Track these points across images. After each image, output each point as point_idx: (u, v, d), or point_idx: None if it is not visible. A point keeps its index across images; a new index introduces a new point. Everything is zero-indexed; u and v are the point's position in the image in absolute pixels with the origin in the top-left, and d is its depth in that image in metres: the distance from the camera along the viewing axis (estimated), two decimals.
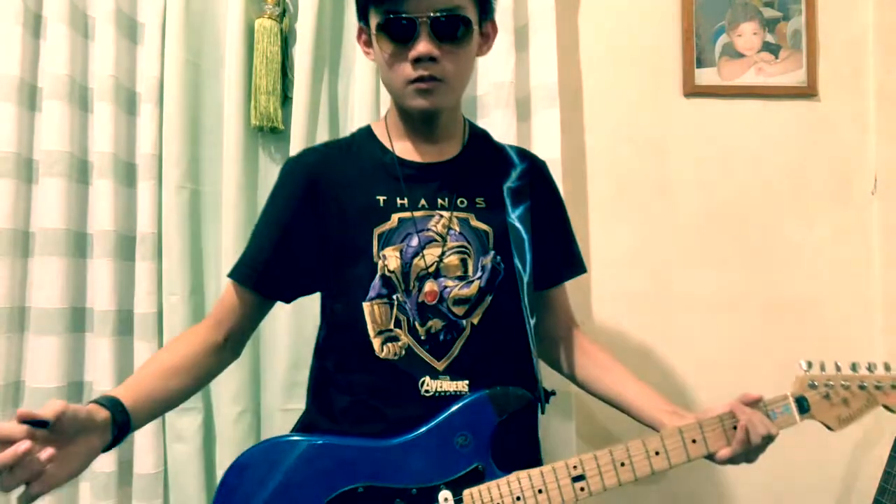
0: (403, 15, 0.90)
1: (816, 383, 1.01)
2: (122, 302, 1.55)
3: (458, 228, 0.98)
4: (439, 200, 1.00)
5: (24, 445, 0.73)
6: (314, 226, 1.01)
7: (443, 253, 0.97)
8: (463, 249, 0.98)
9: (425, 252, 0.96)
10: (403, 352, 0.96)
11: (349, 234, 0.99)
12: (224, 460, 1.55)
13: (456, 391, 0.94)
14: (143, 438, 1.52)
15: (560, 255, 1.11)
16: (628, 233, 1.71)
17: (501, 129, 1.55)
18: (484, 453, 0.91)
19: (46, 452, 0.77)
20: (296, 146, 1.55)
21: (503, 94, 1.55)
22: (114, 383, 1.52)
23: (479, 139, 1.10)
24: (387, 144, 1.04)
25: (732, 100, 1.73)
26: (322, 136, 1.58)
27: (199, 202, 1.60)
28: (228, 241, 1.55)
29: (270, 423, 1.59)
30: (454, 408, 0.93)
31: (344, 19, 1.65)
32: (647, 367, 1.71)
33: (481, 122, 1.61)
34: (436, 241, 0.97)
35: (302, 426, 1.06)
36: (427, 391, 0.95)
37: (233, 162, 1.56)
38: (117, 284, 1.54)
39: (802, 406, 1.00)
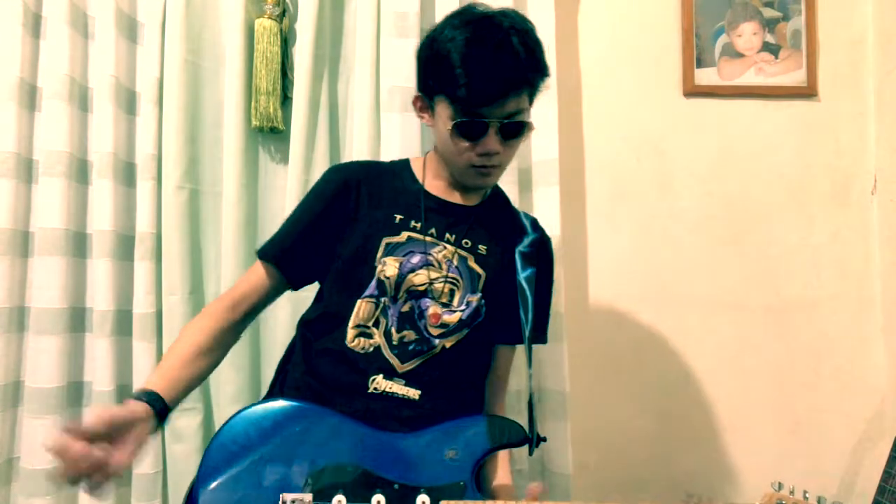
0: (480, 118, 1.01)
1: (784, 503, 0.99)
2: (122, 302, 1.55)
3: (456, 262, 1.10)
4: (447, 235, 1.11)
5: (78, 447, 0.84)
6: (337, 225, 1.12)
7: (436, 278, 1.07)
8: (455, 281, 1.09)
9: (420, 271, 1.07)
10: (371, 349, 1.05)
11: (363, 237, 1.09)
12: None
13: (405, 396, 1.03)
14: None
15: (536, 324, 1.19)
16: (627, 233, 1.71)
17: None
18: (468, 472, 0.96)
19: (99, 450, 0.86)
20: (296, 146, 1.55)
21: None
22: (113, 383, 1.52)
23: (498, 199, 1.23)
24: (419, 177, 1.17)
25: (732, 100, 1.73)
26: (322, 136, 1.58)
27: (199, 202, 1.60)
28: (228, 241, 1.55)
29: None
30: (454, 421, 1.00)
31: (344, 19, 1.65)
32: (646, 367, 1.71)
33: None
34: (433, 265, 1.08)
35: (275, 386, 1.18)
36: (375, 389, 1.03)
37: (233, 162, 1.56)
38: (117, 284, 1.54)
39: None
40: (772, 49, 1.74)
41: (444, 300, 1.07)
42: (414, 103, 1.15)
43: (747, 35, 1.73)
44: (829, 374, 1.72)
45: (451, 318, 1.07)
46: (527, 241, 1.17)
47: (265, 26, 1.57)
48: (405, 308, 1.06)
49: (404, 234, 1.09)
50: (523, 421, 1.07)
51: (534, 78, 1.05)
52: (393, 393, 1.03)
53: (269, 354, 1.60)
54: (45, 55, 1.54)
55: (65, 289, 1.52)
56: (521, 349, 1.20)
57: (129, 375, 1.55)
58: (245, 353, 1.55)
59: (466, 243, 1.11)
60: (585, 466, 1.65)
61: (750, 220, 1.73)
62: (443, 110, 1.05)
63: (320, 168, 1.57)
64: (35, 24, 1.56)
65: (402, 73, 1.55)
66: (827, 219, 1.74)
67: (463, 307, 1.08)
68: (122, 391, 1.55)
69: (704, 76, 1.72)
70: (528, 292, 1.12)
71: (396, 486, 0.94)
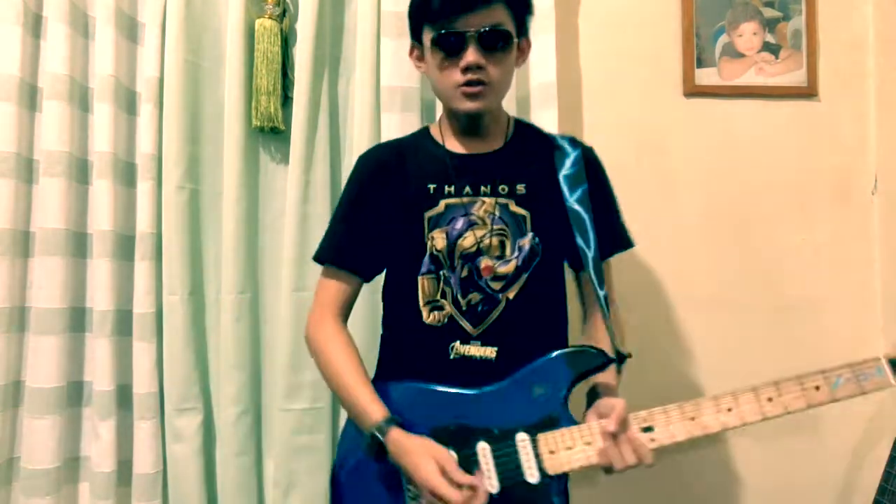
0: (455, 30, 1.05)
1: None
2: (122, 302, 1.55)
3: (498, 213, 1.11)
4: (482, 187, 1.12)
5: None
6: (378, 209, 1.16)
7: (484, 234, 1.10)
8: (502, 232, 1.11)
9: (468, 233, 1.10)
10: (446, 319, 1.10)
11: (405, 217, 1.13)
12: (223, 460, 1.55)
13: (482, 356, 1.08)
14: (143, 438, 1.52)
15: (606, 234, 1.18)
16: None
17: None
18: (558, 404, 1.02)
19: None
20: (296, 146, 1.55)
21: None
22: (113, 383, 1.52)
23: (524, 132, 1.22)
24: (439, 140, 1.19)
25: (732, 100, 1.73)
26: (322, 136, 1.58)
27: (199, 202, 1.60)
28: (228, 242, 1.55)
29: (270, 423, 1.59)
30: (535, 363, 1.05)
31: (344, 19, 1.65)
32: (647, 367, 1.70)
33: None
34: (478, 224, 1.11)
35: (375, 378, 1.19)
36: (457, 355, 1.08)
37: (233, 162, 1.56)
38: (117, 284, 1.54)
39: None
40: (772, 49, 1.74)
41: (497, 253, 1.10)
42: (410, 54, 1.19)
43: (747, 35, 1.73)
44: None
45: (507, 267, 1.10)
46: (568, 162, 1.17)
47: (265, 26, 1.57)
48: (464, 273, 1.10)
49: (442, 203, 1.12)
50: None
51: None
52: (472, 356, 1.08)
53: (270, 355, 1.60)
54: (45, 55, 1.54)
55: (65, 289, 1.52)
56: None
57: (129, 375, 1.55)
58: (245, 353, 1.55)
59: (503, 189, 1.12)
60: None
61: (750, 220, 1.73)
62: (428, 41, 1.10)
63: (320, 168, 1.57)
64: (35, 24, 1.56)
65: (402, 73, 1.55)
66: (827, 219, 1.74)
67: (516, 254, 1.10)
68: (122, 391, 1.55)
69: (704, 76, 1.72)
70: (583, 214, 1.13)
71: (496, 432, 1.01)
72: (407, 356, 1.14)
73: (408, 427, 1.02)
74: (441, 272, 1.10)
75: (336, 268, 1.17)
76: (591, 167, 1.20)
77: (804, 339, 1.72)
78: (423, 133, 1.23)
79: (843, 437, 1.73)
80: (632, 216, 1.70)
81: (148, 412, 1.52)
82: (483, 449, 1.00)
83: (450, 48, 1.06)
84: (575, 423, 1.00)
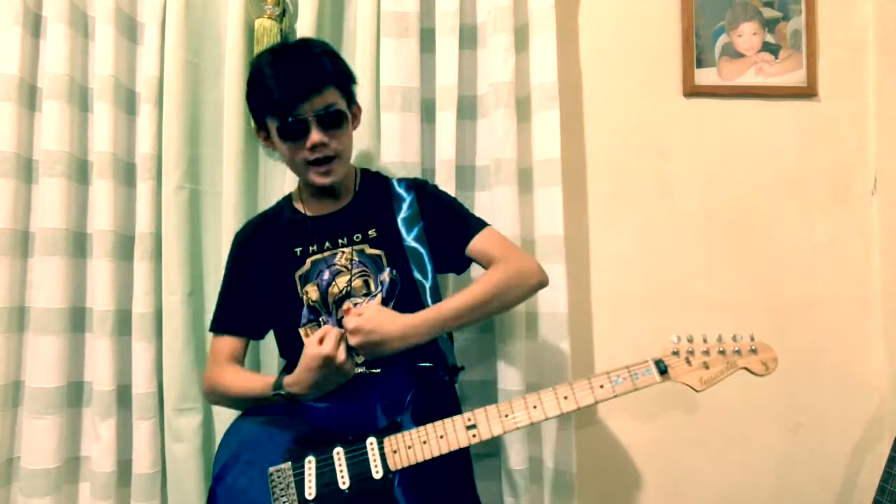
0: (297, 117, 1.20)
1: (678, 350, 1.14)
2: (122, 302, 1.55)
3: (356, 258, 1.28)
4: (339, 240, 1.29)
5: None
6: (255, 278, 1.32)
7: (348, 280, 1.26)
8: (364, 273, 1.28)
9: (336, 281, 1.27)
10: None
11: (279, 280, 1.29)
12: None
13: (369, 373, 1.23)
14: (142, 438, 1.52)
15: (457, 226, 1.33)
16: (628, 233, 1.71)
17: (501, 129, 1.55)
18: (402, 412, 1.16)
19: None
20: None
21: (503, 94, 1.55)
22: (113, 383, 1.52)
23: (368, 183, 1.38)
24: (298, 206, 1.36)
25: (732, 100, 1.73)
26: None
27: (199, 202, 1.60)
28: (228, 242, 1.54)
29: None
30: (383, 381, 1.20)
31: (344, 19, 1.65)
32: None
33: (481, 122, 1.62)
34: (342, 271, 1.27)
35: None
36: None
37: (233, 162, 1.56)
38: (117, 284, 1.54)
39: (661, 368, 1.12)
40: (772, 49, 1.74)
41: (364, 291, 1.26)
42: (257, 135, 1.32)
43: (747, 35, 1.73)
44: (829, 374, 1.72)
45: (375, 301, 1.25)
46: (404, 205, 1.33)
47: (265, 26, 1.57)
48: (340, 314, 1.24)
49: (308, 261, 1.28)
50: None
51: (335, 74, 1.24)
52: (359, 374, 1.22)
53: (269, 356, 1.60)
54: (45, 55, 1.54)
55: (65, 289, 1.52)
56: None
57: (129, 375, 1.55)
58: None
59: (357, 237, 1.29)
60: (586, 467, 1.65)
61: (750, 220, 1.73)
62: (273, 129, 1.24)
63: None
64: (35, 24, 1.56)
65: (402, 73, 1.56)
66: (827, 219, 1.74)
67: (380, 288, 1.26)
68: (123, 391, 1.55)
69: (704, 76, 1.72)
70: (420, 249, 1.29)
71: (350, 437, 1.15)
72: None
73: (273, 443, 1.17)
74: (320, 319, 1.27)
75: (220, 334, 1.32)
76: (424, 203, 1.33)
77: (804, 339, 1.72)
78: (286, 201, 1.40)
79: (843, 437, 1.73)
80: (632, 216, 1.72)
81: (147, 412, 1.52)
82: (338, 453, 1.14)
83: (295, 132, 1.21)
84: (414, 427, 1.14)
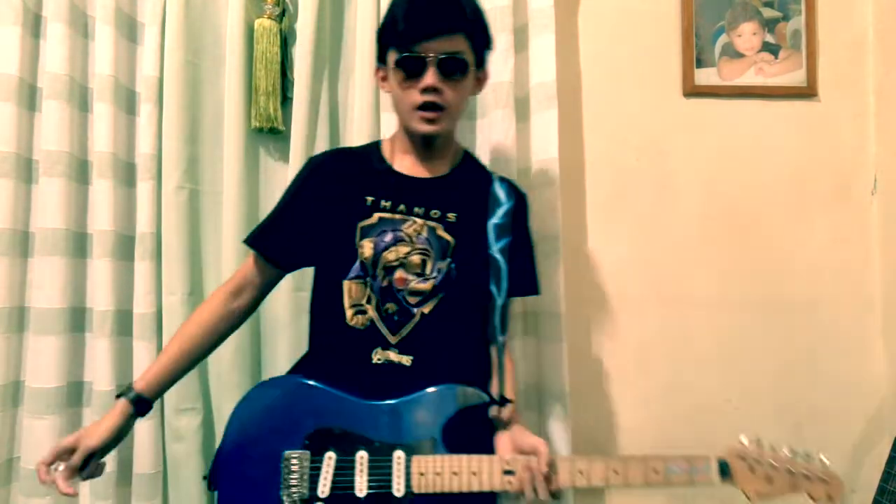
0: (417, 54, 1.12)
1: (746, 456, 1.09)
2: (122, 302, 1.56)
3: (425, 234, 1.18)
4: (416, 209, 1.19)
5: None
6: (314, 211, 1.21)
7: (408, 252, 1.17)
8: (425, 251, 1.18)
9: (394, 248, 1.17)
10: (368, 323, 1.15)
11: (340, 224, 1.19)
12: None
13: (399, 363, 1.14)
14: (143, 438, 1.52)
15: (523, 277, 1.28)
16: (627, 232, 1.71)
17: (501, 128, 1.55)
18: (437, 432, 1.09)
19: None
20: (296, 146, 1.55)
21: (502, 94, 1.55)
22: (113, 383, 1.52)
23: (469, 165, 1.30)
24: (387, 157, 1.25)
25: (732, 100, 1.73)
26: (322, 137, 1.58)
27: (199, 202, 1.60)
28: (228, 242, 1.55)
29: None
30: (429, 389, 1.11)
31: (344, 20, 1.65)
32: (647, 367, 1.71)
33: (480, 122, 1.62)
34: (404, 240, 1.17)
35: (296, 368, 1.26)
36: (378, 360, 1.14)
37: (233, 162, 1.56)
38: (117, 284, 1.54)
39: (724, 470, 1.08)
40: (772, 49, 1.74)
41: (417, 270, 1.16)
42: (375, 73, 1.25)
43: (747, 35, 1.73)
44: (829, 374, 1.72)
45: (425, 285, 1.16)
46: (500, 211, 1.24)
47: (265, 26, 1.57)
48: (384, 283, 1.16)
49: (375, 216, 1.18)
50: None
51: (470, 24, 1.16)
52: (390, 361, 1.14)
53: (270, 355, 1.60)
54: (45, 55, 1.54)
55: (65, 289, 1.52)
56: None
57: (129, 375, 1.55)
58: (246, 353, 1.55)
59: (434, 213, 1.19)
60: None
61: (750, 220, 1.73)
62: (391, 62, 1.16)
63: None
64: (35, 24, 1.56)
65: None
66: (827, 219, 1.74)
67: (435, 274, 1.17)
68: None
69: (704, 76, 1.72)
70: (501, 263, 1.20)
71: (377, 444, 1.08)
72: (329, 357, 1.19)
73: (292, 422, 1.10)
74: (367, 279, 1.17)
75: (256, 252, 1.25)
76: (518, 218, 1.27)
77: (803, 339, 1.72)
78: (374, 147, 1.30)
79: (842, 437, 1.73)
80: (631, 216, 1.72)
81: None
82: (362, 457, 1.07)
83: (411, 70, 1.13)
84: (447, 451, 1.08)
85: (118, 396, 1.16)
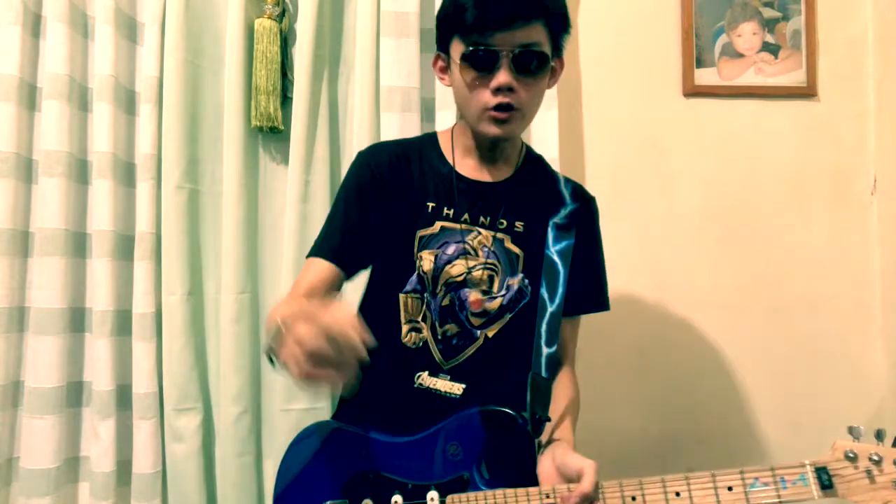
0: (489, 47, 0.97)
1: (856, 455, 0.81)
2: (122, 302, 1.55)
3: (491, 247, 1.06)
4: (481, 218, 1.08)
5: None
6: (374, 213, 1.09)
7: (473, 266, 1.05)
8: (492, 267, 1.06)
9: (457, 262, 1.05)
10: (421, 343, 1.06)
11: (397, 230, 1.08)
12: (223, 460, 1.55)
13: (447, 392, 1.04)
14: (142, 438, 1.52)
15: (588, 290, 1.16)
16: (627, 232, 1.71)
17: None
18: (470, 464, 0.98)
19: None
20: (296, 146, 1.55)
21: None
22: (113, 383, 1.52)
23: (533, 165, 1.18)
24: (448, 157, 1.12)
25: (732, 100, 1.73)
26: (322, 136, 1.58)
27: (199, 202, 1.60)
28: (228, 242, 1.55)
29: (270, 423, 1.59)
30: (449, 419, 1.01)
31: (343, 19, 1.65)
32: (647, 367, 1.71)
33: None
34: (470, 254, 1.06)
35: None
36: (420, 385, 1.05)
37: (233, 162, 1.56)
38: (116, 284, 1.54)
39: (824, 481, 0.81)
40: (771, 49, 1.74)
41: (484, 287, 1.05)
42: (434, 64, 1.11)
43: (747, 35, 1.73)
44: (829, 374, 1.72)
45: (492, 304, 1.05)
46: (564, 211, 1.12)
47: (265, 26, 1.57)
48: (445, 301, 1.05)
49: (437, 225, 1.07)
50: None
51: (548, 8, 1.00)
52: (437, 390, 1.04)
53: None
54: (45, 55, 1.54)
55: (65, 289, 1.52)
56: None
57: (128, 375, 1.55)
58: (245, 354, 1.55)
59: (501, 224, 1.08)
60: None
61: (750, 220, 1.73)
62: (456, 53, 1.02)
63: (320, 168, 1.57)
64: (35, 24, 1.56)
65: (402, 73, 1.56)
66: (827, 219, 1.74)
67: (503, 292, 1.06)
68: (122, 391, 1.55)
69: (704, 76, 1.72)
70: (559, 266, 1.07)
71: (410, 486, 0.99)
72: (370, 374, 1.04)
73: (330, 471, 1.02)
74: (425, 295, 1.06)
75: (328, 262, 1.09)
76: (586, 221, 1.15)
77: (803, 339, 1.72)
78: (432, 142, 1.16)
79: (842, 437, 1.73)
80: (631, 216, 1.72)
81: (147, 412, 1.52)
82: (396, 502, 0.98)
83: (481, 65, 0.99)
84: (486, 485, 0.97)
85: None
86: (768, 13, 1.74)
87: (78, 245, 1.56)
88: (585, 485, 0.87)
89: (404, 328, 1.06)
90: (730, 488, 0.84)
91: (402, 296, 1.06)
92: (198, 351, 1.57)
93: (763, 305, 1.72)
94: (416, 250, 1.06)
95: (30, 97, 1.56)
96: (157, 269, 1.55)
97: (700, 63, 1.72)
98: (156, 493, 1.53)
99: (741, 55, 1.73)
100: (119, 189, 1.56)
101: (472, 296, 1.05)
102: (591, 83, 1.72)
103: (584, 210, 1.16)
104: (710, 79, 1.72)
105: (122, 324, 1.55)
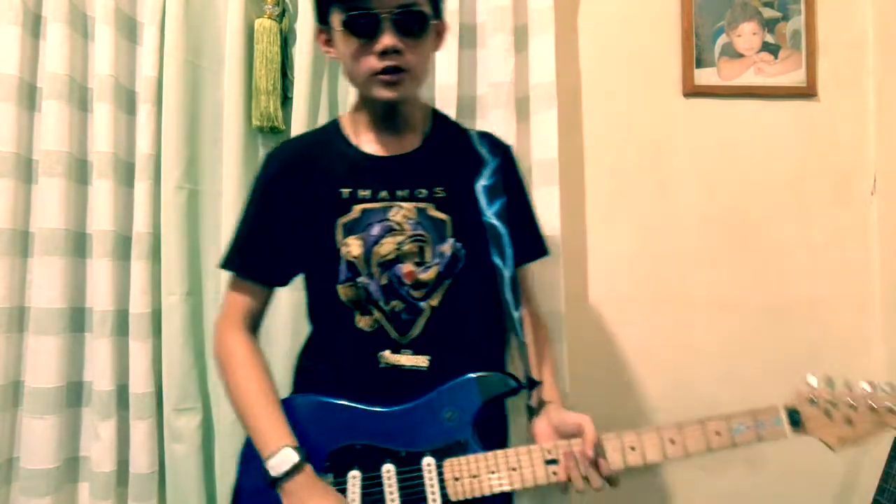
0: (368, 11, 0.97)
1: (817, 399, 0.96)
2: (122, 302, 1.55)
3: (416, 218, 1.06)
4: (399, 192, 1.06)
5: None
6: (287, 214, 1.09)
7: (402, 240, 1.05)
8: (420, 238, 1.05)
9: (385, 240, 1.05)
10: (376, 325, 1.05)
11: (317, 224, 1.07)
12: (223, 460, 1.55)
13: (413, 366, 1.04)
14: (141, 438, 1.52)
15: (526, 239, 1.17)
16: (628, 233, 1.71)
17: (500, 129, 1.55)
18: (467, 429, 0.99)
19: None
20: None
21: (502, 94, 1.55)
22: (113, 383, 1.52)
23: (442, 128, 1.17)
24: (351, 138, 1.12)
25: (732, 100, 1.73)
26: None
27: (198, 202, 1.60)
28: (227, 242, 1.54)
29: None
30: (445, 385, 1.02)
31: None
32: (647, 367, 1.71)
33: (480, 122, 1.62)
34: (396, 229, 1.05)
35: (294, 386, 1.17)
36: (386, 364, 1.04)
37: (233, 162, 1.56)
38: (116, 284, 1.54)
39: (794, 419, 0.97)
40: (771, 49, 1.74)
41: (416, 260, 1.05)
42: (317, 38, 1.11)
43: (747, 35, 1.73)
44: (829, 373, 1.72)
45: (428, 274, 1.05)
46: (487, 171, 1.12)
47: (265, 26, 1.57)
48: (384, 281, 1.05)
49: (356, 209, 1.06)
50: None
51: None
52: (402, 366, 1.04)
53: (269, 353, 1.59)
54: (45, 55, 1.54)
55: (64, 289, 1.52)
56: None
57: (128, 375, 1.55)
58: None
59: (421, 193, 1.07)
60: None
61: (750, 220, 1.73)
62: (337, 23, 1.01)
63: None
64: (34, 24, 1.56)
65: None
66: (827, 219, 1.74)
67: (437, 260, 1.05)
68: (122, 391, 1.55)
69: (704, 76, 1.72)
70: (500, 229, 1.08)
71: (403, 454, 0.99)
72: (334, 363, 1.09)
73: (313, 444, 0.99)
74: (359, 280, 1.05)
75: (241, 278, 1.12)
76: (508, 174, 1.15)
77: (803, 339, 1.72)
78: (334, 128, 1.15)
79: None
80: (631, 216, 1.72)
81: (144, 412, 1.52)
82: (388, 471, 0.98)
83: (363, 31, 0.98)
84: (482, 449, 0.99)
85: (289, 474, 0.95)
86: (768, 13, 1.74)
87: (78, 245, 1.56)
88: (591, 434, 0.94)
89: (355, 314, 1.06)
90: (718, 433, 0.96)
91: (339, 287, 1.06)
92: (197, 351, 1.57)
93: (763, 305, 1.72)
94: (340, 239, 1.05)
95: (30, 97, 1.56)
96: (156, 268, 1.55)
97: (700, 63, 1.72)
98: (152, 494, 1.53)
99: (741, 55, 1.73)
100: (119, 189, 1.56)
101: (405, 268, 1.04)
102: (591, 83, 1.72)
103: (505, 162, 1.16)
104: (709, 79, 1.72)
105: (123, 324, 1.55)
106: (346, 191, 1.06)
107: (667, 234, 1.72)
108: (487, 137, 1.18)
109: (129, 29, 1.60)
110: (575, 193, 1.69)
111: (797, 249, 1.73)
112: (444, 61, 1.56)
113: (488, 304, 1.11)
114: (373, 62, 1.00)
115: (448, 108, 1.55)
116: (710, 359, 1.71)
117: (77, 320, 1.57)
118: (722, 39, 1.72)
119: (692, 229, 1.72)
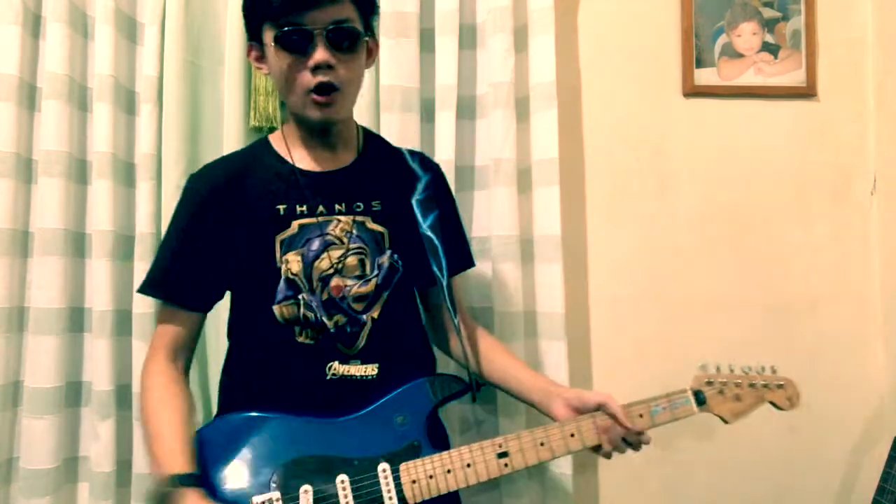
0: (301, 27, 0.98)
1: (713, 381, 1.17)
2: (121, 302, 1.55)
3: (355, 231, 1.08)
4: (336, 206, 1.08)
5: None
6: (216, 237, 1.08)
7: (343, 254, 1.06)
8: (360, 250, 1.08)
9: (325, 255, 1.06)
10: (320, 338, 1.06)
11: (252, 243, 1.06)
12: None
13: (363, 375, 1.05)
14: (141, 438, 1.52)
15: (455, 251, 1.23)
16: (627, 233, 1.71)
17: (500, 129, 1.55)
18: (420, 431, 1.03)
19: None
20: None
21: (502, 94, 1.55)
22: (113, 383, 1.52)
23: (374, 144, 1.20)
24: (285, 155, 1.12)
25: (732, 100, 1.73)
26: None
27: None
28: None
29: None
30: (396, 391, 1.04)
31: None
32: (647, 367, 1.71)
33: (480, 123, 1.62)
34: (335, 244, 1.07)
35: (223, 407, 1.14)
36: (334, 375, 1.04)
37: None
38: (116, 284, 1.54)
39: (700, 399, 1.14)
40: (771, 49, 1.74)
41: (357, 273, 1.07)
42: (248, 55, 1.10)
43: (747, 35, 1.73)
44: (829, 374, 1.72)
45: (368, 287, 1.07)
46: (420, 186, 1.17)
47: None
48: (325, 296, 1.05)
49: (294, 224, 1.06)
50: None
51: None
52: (352, 376, 1.05)
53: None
54: (44, 55, 1.54)
55: (64, 289, 1.52)
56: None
57: (128, 375, 1.55)
58: None
59: (358, 206, 1.09)
60: (584, 466, 1.65)
61: (750, 220, 1.73)
62: (269, 39, 1.01)
63: None
64: (34, 24, 1.56)
65: (402, 73, 1.55)
66: (827, 219, 1.74)
67: (376, 272, 1.08)
68: (122, 391, 1.55)
69: (704, 76, 1.72)
70: (435, 241, 1.13)
71: (356, 462, 0.98)
72: (273, 378, 1.07)
73: (257, 461, 0.97)
74: (300, 297, 1.05)
75: (167, 305, 1.11)
76: (440, 190, 1.21)
77: (803, 339, 1.72)
78: (264, 146, 1.15)
79: (842, 437, 1.73)
80: (631, 216, 1.72)
81: None
82: (342, 482, 0.97)
83: (296, 47, 0.99)
84: (434, 451, 1.02)
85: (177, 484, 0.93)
86: (768, 13, 1.74)
87: (77, 245, 1.56)
88: (619, 410, 1.06)
89: (295, 329, 1.05)
90: (640, 416, 1.09)
91: (276, 307, 1.05)
92: (196, 351, 1.56)
93: (762, 306, 1.72)
94: (279, 256, 1.05)
95: (30, 97, 1.55)
96: None
97: (700, 63, 1.72)
98: None
99: (741, 55, 1.73)
100: (119, 189, 1.56)
101: (334, 282, 1.05)
102: (591, 83, 1.72)
103: (435, 177, 1.22)
104: (709, 79, 1.72)
105: (122, 324, 1.55)
106: (282, 207, 1.07)
107: (666, 234, 1.72)
108: (418, 155, 1.24)
109: (129, 29, 1.60)
110: (575, 193, 1.69)
111: (797, 249, 1.73)
112: (444, 61, 1.56)
113: (417, 314, 1.19)
114: (306, 78, 1.00)
115: (448, 108, 1.56)
116: (710, 358, 1.71)
117: (76, 320, 1.57)
118: (722, 39, 1.73)
119: (692, 229, 1.72)
